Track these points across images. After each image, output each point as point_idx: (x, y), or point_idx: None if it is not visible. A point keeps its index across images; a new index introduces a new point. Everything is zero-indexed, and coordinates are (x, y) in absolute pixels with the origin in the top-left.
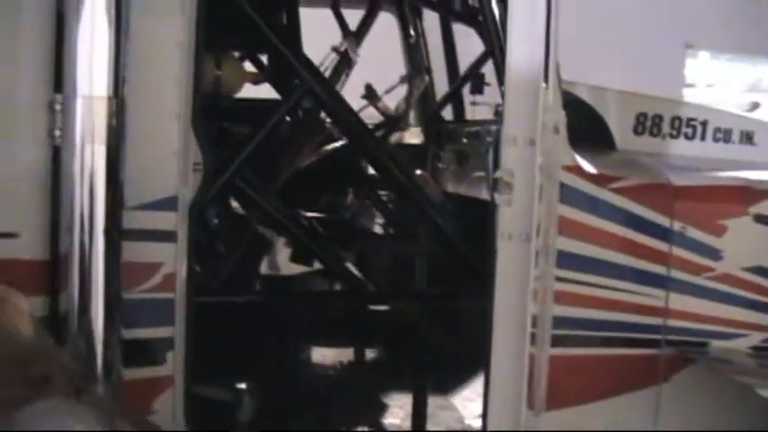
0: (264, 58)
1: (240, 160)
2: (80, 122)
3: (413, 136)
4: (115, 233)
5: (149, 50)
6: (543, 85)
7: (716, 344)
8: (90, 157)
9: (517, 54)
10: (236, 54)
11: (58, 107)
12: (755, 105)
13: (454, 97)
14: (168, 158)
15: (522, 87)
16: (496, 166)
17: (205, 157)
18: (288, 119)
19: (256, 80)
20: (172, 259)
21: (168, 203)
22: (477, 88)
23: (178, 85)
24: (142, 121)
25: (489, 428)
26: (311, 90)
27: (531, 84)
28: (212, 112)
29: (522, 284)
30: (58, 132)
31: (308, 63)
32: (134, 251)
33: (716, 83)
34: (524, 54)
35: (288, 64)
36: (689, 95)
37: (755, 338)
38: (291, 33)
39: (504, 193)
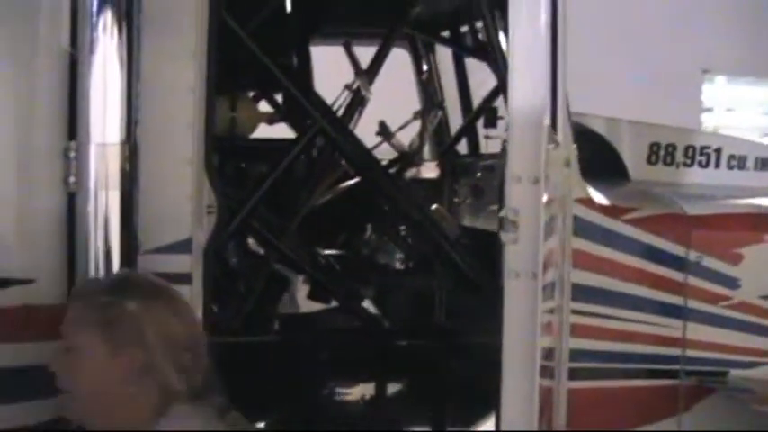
0: (279, 97)
1: (254, 202)
2: (94, 169)
3: (429, 171)
4: None
5: (161, 96)
6: (546, 122)
7: (735, 373)
8: (104, 203)
9: (519, 92)
10: (251, 94)
11: (72, 154)
12: None
13: (468, 131)
14: (182, 202)
15: (525, 126)
16: (502, 204)
17: (219, 200)
18: (303, 157)
19: (271, 120)
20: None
21: (183, 246)
22: (491, 122)
23: (191, 129)
24: (155, 165)
25: None
26: (323, 130)
27: (534, 122)
28: (229, 153)
29: (530, 322)
30: (72, 179)
31: (320, 103)
32: None
33: (735, 107)
34: (527, 92)
35: (300, 104)
36: (707, 120)
37: None
38: (303, 73)
39: (510, 232)
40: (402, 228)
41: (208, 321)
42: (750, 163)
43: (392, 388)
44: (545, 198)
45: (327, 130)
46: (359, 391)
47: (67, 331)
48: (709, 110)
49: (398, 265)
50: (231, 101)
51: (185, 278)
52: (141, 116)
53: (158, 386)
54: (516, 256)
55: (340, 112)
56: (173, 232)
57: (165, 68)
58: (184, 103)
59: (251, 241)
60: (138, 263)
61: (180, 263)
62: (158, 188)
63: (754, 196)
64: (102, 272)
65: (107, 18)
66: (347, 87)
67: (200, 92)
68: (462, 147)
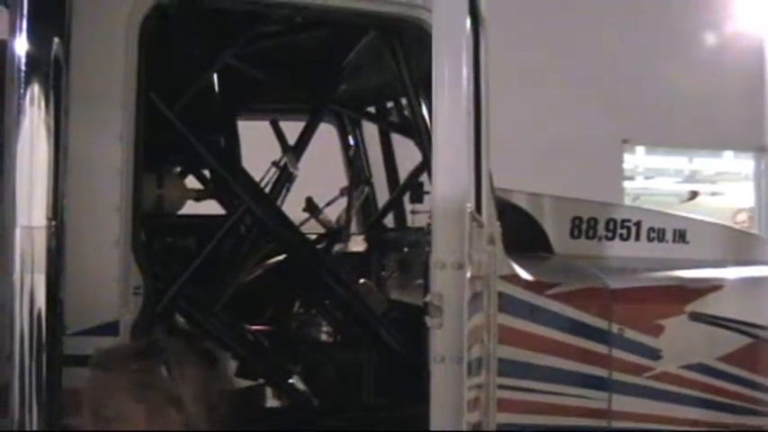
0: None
1: (180, 282)
2: (19, 252)
3: (356, 244)
4: (55, 360)
5: (88, 176)
6: (469, 208)
7: None
8: (30, 286)
9: (442, 180)
10: (178, 169)
11: None
12: (694, 194)
13: (395, 206)
14: (108, 284)
15: (448, 212)
16: (426, 289)
17: (146, 281)
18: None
19: (198, 197)
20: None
21: (109, 328)
22: (417, 197)
23: (118, 210)
24: (82, 246)
25: None
26: (250, 209)
27: (457, 208)
28: (156, 230)
29: (455, 405)
30: None
31: (246, 180)
32: (76, 377)
33: (654, 175)
34: (449, 180)
35: (226, 182)
36: (629, 187)
37: None
38: (230, 149)
39: (435, 317)
40: (330, 303)
41: None
42: (669, 235)
43: None
44: (468, 275)
45: (254, 209)
46: None
47: (102, 402)
48: (631, 178)
49: (327, 339)
50: (158, 177)
51: None
52: (68, 195)
53: None
54: (442, 340)
55: (267, 189)
56: (99, 314)
57: (93, 147)
58: (111, 184)
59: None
60: (65, 345)
61: (106, 345)
62: (85, 269)
63: (673, 268)
64: (26, 354)
65: (34, 91)
66: (274, 164)
67: (127, 172)
68: (389, 221)
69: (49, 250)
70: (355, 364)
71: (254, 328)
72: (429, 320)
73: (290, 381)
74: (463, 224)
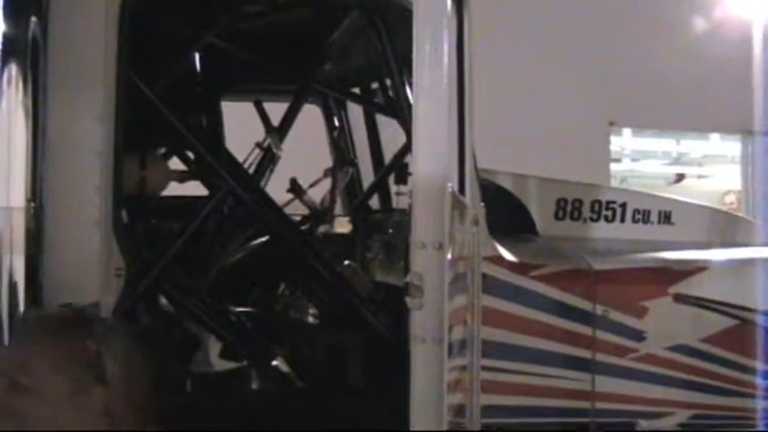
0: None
1: (163, 263)
2: None
3: (341, 226)
4: None
5: (69, 156)
6: (449, 189)
7: (644, 423)
8: (8, 268)
9: (423, 160)
10: (162, 151)
11: None
12: (681, 177)
13: (380, 187)
14: (89, 265)
15: (429, 192)
16: (407, 270)
17: (127, 262)
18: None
19: (182, 179)
20: None
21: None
22: (402, 178)
23: (98, 191)
24: (62, 227)
25: None
26: (232, 190)
27: (437, 189)
28: (139, 211)
29: (435, 386)
30: None
31: (230, 161)
32: None
33: (641, 157)
34: (430, 160)
35: (209, 164)
36: (615, 170)
37: (682, 416)
38: (213, 131)
39: (416, 297)
40: (314, 285)
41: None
42: (654, 217)
43: None
44: (449, 257)
45: (237, 191)
46: None
47: (22, 369)
48: (617, 160)
49: (311, 321)
50: (141, 159)
51: None
52: (47, 176)
53: None
54: (422, 321)
55: (251, 170)
56: (80, 296)
57: (73, 128)
58: (92, 165)
59: (163, 302)
60: None
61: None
62: (65, 250)
63: (658, 250)
64: (6, 337)
65: (12, 71)
66: (258, 145)
67: (108, 152)
68: (374, 202)
69: (28, 231)
70: (340, 347)
71: (238, 310)
72: (409, 301)
73: (274, 363)
74: (443, 204)
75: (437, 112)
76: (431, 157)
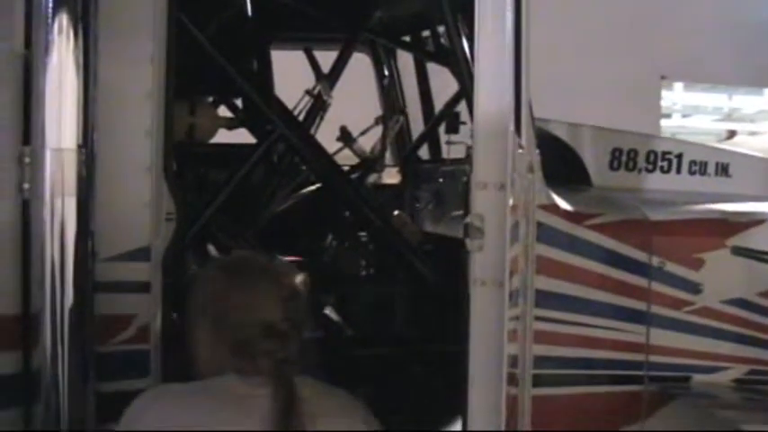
0: (239, 102)
1: (212, 209)
2: (49, 175)
3: (390, 176)
4: (87, 286)
5: (119, 101)
6: (512, 128)
7: (698, 378)
8: (60, 210)
9: (484, 99)
10: (210, 99)
11: (26, 160)
12: (732, 133)
13: (430, 137)
14: (140, 209)
15: (491, 132)
16: (467, 211)
17: (178, 207)
18: (263, 163)
19: (230, 126)
20: (146, 310)
21: (141, 254)
22: (453, 128)
23: (149, 135)
24: (113, 172)
25: None
26: (283, 135)
27: (499, 128)
28: (188, 159)
29: (496, 329)
30: (27, 185)
31: (280, 107)
32: (107, 303)
33: (691, 113)
34: (492, 99)
35: (260, 109)
36: (665, 126)
37: (738, 371)
38: (263, 78)
39: (476, 239)
40: (363, 234)
41: (167, 331)
42: (711, 169)
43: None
44: (509, 206)
45: (288, 136)
46: None
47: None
48: (668, 116)
49: (360, 272)
50: (190, 106)
51: (144, 287)
52: (98, 122)
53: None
54: (482, 263)
55: (301, 118)
56: (131, 240)
57: (123, 73)
58: (142, 109)
59: (211, 249)
60: (96, 271)
61: (138, 271)
62: (116, 195)
63: (714, 202)
64: (57, 280)
65: (63, 20)
66: (308, 92)
67: (158, 97)
68: (424, 152)
69: (79, 174)
70: (389, 297)
71: (287, 258)
72: (469, 243)
73: (324, 312)
74: (506, 144)
75: (500, 49)
76: (493, 97)
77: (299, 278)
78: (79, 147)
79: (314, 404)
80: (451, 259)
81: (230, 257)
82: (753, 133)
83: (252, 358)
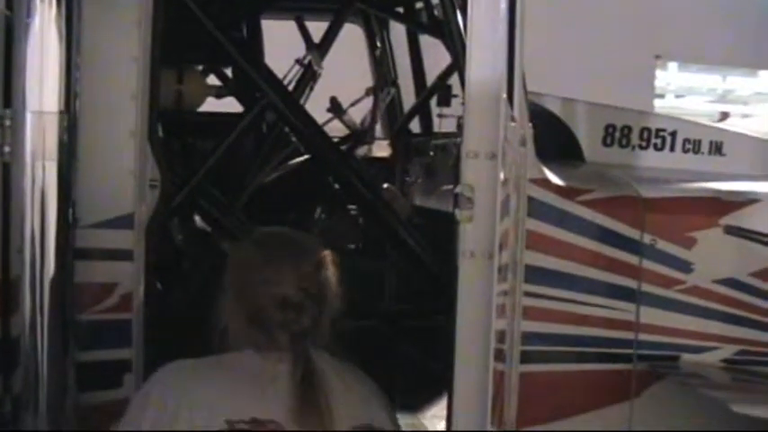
0: (229, 71)
1: (200, 176)
2: (30, 138)
3: (380, 149)
4: (68, 253)
5: (103, 65)
6: (504, 96)
7: (687, 357)
8: (41, 174)
9: (477, 66)
10: (200, 68)
11: (7, 123)
12: (725, 115)
13: (421, 110)
14: (123, 175)
15: (483, 100)
16: (458, 180)
17: (163, 174)
18: (252, 133)
19: (219, 94)
20: (128, 279)
21: (124, 221)
22: (445, 100)
23: (133, 100)
24: (96, 137)
25: None
26: (272, 104)
27: (491, 96)
28: (176, 127)
29: (484, 303)
30: (7, 149)
31: (270, 76)
32: (89, 271)
33: (685, 93)
34: (484, 66)
35: (250, 78)
36: (659, 106)
37: (727, 351)
38: (253, 46)
39: (466, 209)
40: (353, 207)
41: (151, 300)
42: (705, 147)
43: None
44: (501, 176)
45: (276, 104)
46: None
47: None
48: (661, 96)
49: (349, 245)
50: (178, 73)
51: (126, 255)
52: (82, 85)
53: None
54: (472, 234)
55: (290, 87)
56: (113, 207)
57: (108, 37)
58: (127, 73)
59: (198, 219)
60: (76, 238)
61: (121, 239)
62: (99, 160)
63: (707, 180)
64: (37, 246)
65: None
66: (298, 62)
67: (144, 62)
68: (415, 125)
69: (60, 138)
70: (377, 270)
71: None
72: (459, 213)
73: None
74: (498, 112)
75: (494, 17)
76: (485, 65)
77: (322, 253)
78: (61, 112)
79: (329, 379)
80: (442, 233)
81: (263, 231)
82: (746, 116)
83: (268, 331)
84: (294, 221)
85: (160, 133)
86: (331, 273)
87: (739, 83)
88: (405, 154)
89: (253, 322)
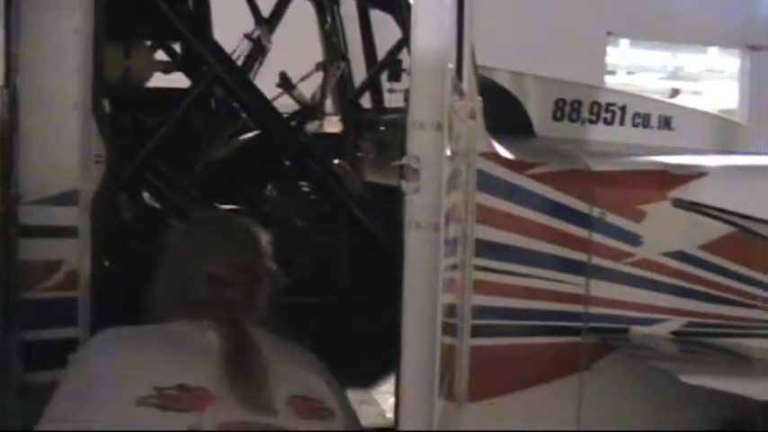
0: (178, 47)
1: (145, 152)
2: None
3: (331, 125)
4: (10, 230)
5: (44, 38)
6: (451, 66)
7: (637, 330)
8: None
9: (424, 35)
10: (148, 43)
11: None
12: (675, 92)
13: (372, 85)
14: (67, 151)
15: (429, 69)
16: (404, 152)
17: (108, 149)
18: (202, 109)
19: (167, 69)
20: (74, 256)
21: (68, 198)
22: (395, 75)
23: (77, 73)
24: (38, 112)
25: (401, 425)
26: (221, 79)
27: (437, 66)
28: (123, 103)
29: (431, 275)
30: None
31: (218, 50)
32: (33, 248)
33: (636, 70)
34: (431, 35)
35: (198, 52)
36: (610, 82)
37: (676, 323)
38: (201, 20)
39: (412, 181)
40: (304, 183)
41: (98, 278)
42: (654, 121)
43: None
44: (448, 151)
45: (225, 78)
46: None
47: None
48: (612, 72)
49: (300, 221)
50: (126, 48)
51: (71, 231)
52: (23, 59)
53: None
54: (418, 206)
55: (239, 62)
56: (57, 183)
57: (49, 9)
58: (70, 47)
59: (146, 195)
60: (20, 214)
61: (65, 215)
62: (42, 135)
63: (657, 154)
64: None
65: None
66: (247, 36)
67: (86, 34)
68: (366, 100)
69: (1, 113)
70: (328, 246)
71: (225, 207)
72: (405, 185)
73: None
74: (444, 82)
75: None
76: (432, 32)
77: (254, 231)
78: (1, 87)
79: (262, 351)
80: (393, 209)
81: (198, 213)
82: (695, 92)
83: (197, 307)
84: (245, 197)
85: (107, 108)
86: (264, 250)
87: (690, 60)
88: (356, 129)
89: (183, 299)
